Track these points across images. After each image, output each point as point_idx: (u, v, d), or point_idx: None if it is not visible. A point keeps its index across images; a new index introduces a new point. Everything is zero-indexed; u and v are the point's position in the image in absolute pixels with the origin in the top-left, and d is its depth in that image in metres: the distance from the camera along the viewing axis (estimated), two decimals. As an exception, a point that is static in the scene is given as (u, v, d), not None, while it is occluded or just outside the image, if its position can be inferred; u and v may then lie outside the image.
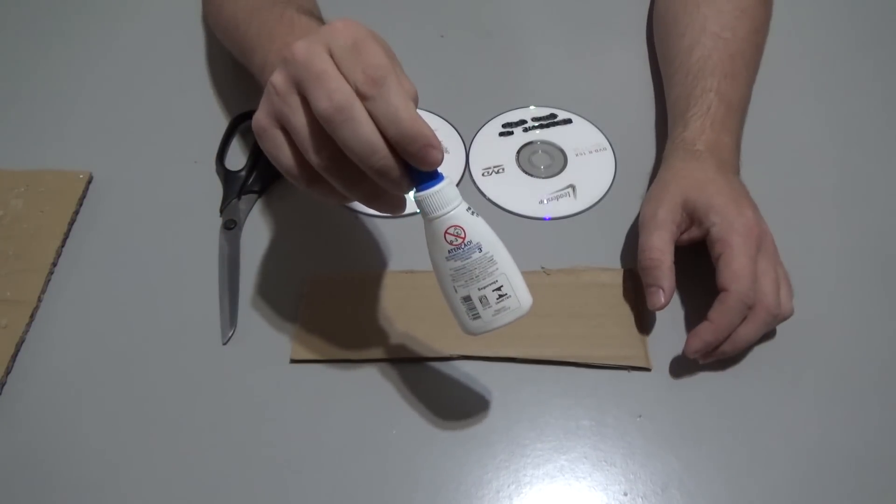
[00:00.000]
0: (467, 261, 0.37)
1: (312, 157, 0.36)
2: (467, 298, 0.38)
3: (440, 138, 0.58)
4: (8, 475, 0.44)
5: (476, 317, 0.39)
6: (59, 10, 0.73)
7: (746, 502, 0.43)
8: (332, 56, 0.35)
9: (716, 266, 0.46)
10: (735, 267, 0.45)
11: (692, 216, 0.48)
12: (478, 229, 0.37)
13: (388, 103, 0.34)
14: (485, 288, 0.38)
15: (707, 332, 0.45)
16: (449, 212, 0.36)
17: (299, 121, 0.36)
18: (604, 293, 0.51)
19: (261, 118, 0.37)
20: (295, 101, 0.36)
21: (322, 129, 0.35)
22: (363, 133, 0.34)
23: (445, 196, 0.36)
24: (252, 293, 0.52)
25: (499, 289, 0.38)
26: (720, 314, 0.45)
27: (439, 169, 0.36)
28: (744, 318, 0.45)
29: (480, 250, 0.37)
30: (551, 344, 0.48)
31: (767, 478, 0.43)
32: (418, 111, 0.35)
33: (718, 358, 0.46)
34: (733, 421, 0.46)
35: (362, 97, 0.34)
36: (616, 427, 0.45)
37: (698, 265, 0.52)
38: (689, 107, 0.53)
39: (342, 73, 0.34)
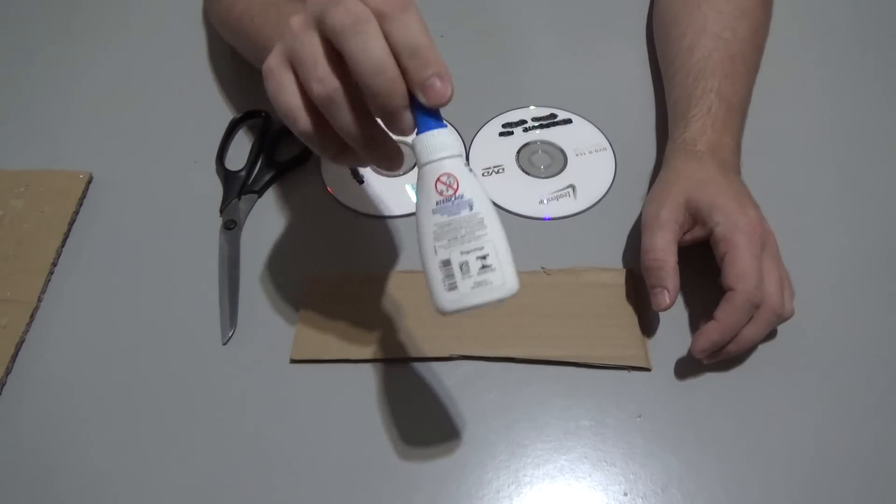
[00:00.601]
0: (454, 216, 0.34)
1: (315, 87, 0.35)
2: (446, 262, 0.34)
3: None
4: (8, 475, 0.44)
5: (452, 287, 0.34)
6: (59, 9, 0.73)
7: (746, 502, 0.43)
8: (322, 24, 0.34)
9: (720, 265, 0.46)
10: (741, 266, 0.45)
11: (695, 216, 0.48)
12: (472, 185, 0.35)
13: (409, 25, 0.33)
14: (468, 252, 0.34)
15: (714, 331, 0.45)
16: (444, 158, 0.34)
17: (308, 50, 0.35)
18: (604, 293, 0.51)
19: (271, 59, 0.37)
20: (309, 36, 0.35)
21: (331, 56, 0.35)
22: (374, 47, 0.33)
23: (443, 141, 0.35)
24: (252, 293, 0.52)
25: (484, 257, 0.34)
26: (727, 313, 0.45)
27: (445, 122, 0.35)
28: (750, 318, 0.45)
29: (471, 208, 0.34)
30: (551, 344, 0.48)
31: (767, 478, 0.43)
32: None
33: (723, 358, 0.46)
34: (733, 421, 0.46)
35: (382, 16, 0.33)
36: (616, 427, 0.45)
37: (698, 265, 0.52)
38: (689, 107, 0.53)
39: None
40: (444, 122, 0.35)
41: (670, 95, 0.57)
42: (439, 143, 0.35)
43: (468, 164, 0.35)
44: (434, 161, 0.35)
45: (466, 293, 0.34)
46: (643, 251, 0.48)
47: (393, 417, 0.46)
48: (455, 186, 0.34)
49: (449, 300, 0.35)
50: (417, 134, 0.35)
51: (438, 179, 0.35)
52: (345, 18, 0.33)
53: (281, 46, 0.37)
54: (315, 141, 0.38)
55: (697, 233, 0.48)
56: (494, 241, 0.35)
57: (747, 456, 0.44)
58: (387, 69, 0.33)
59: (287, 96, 0.36)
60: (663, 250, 0.47)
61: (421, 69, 0.34)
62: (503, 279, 0.34)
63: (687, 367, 0.48)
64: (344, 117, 0.36)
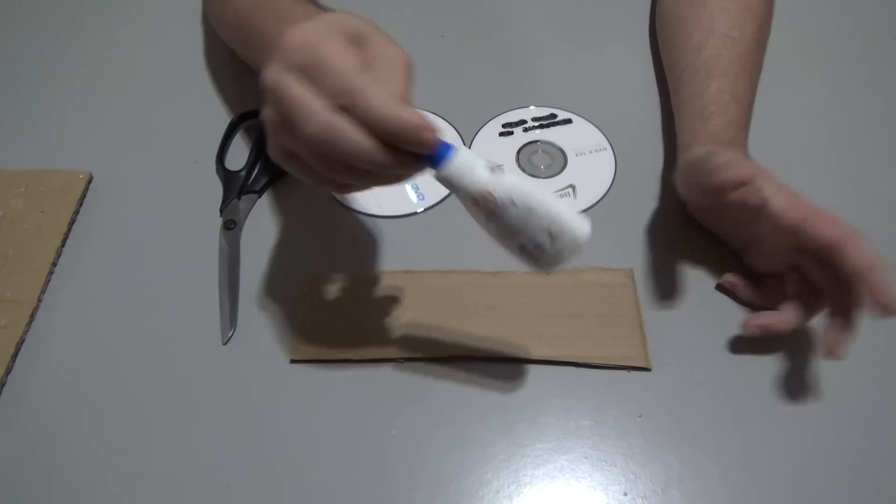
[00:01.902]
0: (506, 218, 0.36)
1: (330, 175, 0.37)
2: (522, 248, 0.38)
3: (440, 139, 0.57)
4: (8, 475, 0.44)
5: (537, 260, 0.38)
6: (59, 9, 0.73)
7: (746, 502, 0.43)
8: (298, 74, 0.35)
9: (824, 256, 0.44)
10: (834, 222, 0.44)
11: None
12: (505, 186, 0.36)
13: (364, 109, 0.34)
14: (535, 235, 0.37)
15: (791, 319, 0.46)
16: (471, 181, 0.36)
17: (302, 147, 0.36)
18: (604, 293, 0.51)
19: (273, 152, 0.38)
20: (288, 132, 0.36)
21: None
22: (354, 144, 0.34)
23: (461, 168, 0.35)
24: (252, 293, 0.52)
25: (548, 233, 0.37)
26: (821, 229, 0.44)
27: (448, 139, 0.35)
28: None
29: (515, 205, 0.36)
30: (551, 344, 0.48)
31: (767, 478, 0.43)
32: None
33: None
34: (733, 421, 0.46)
35: (338, 110, 0.34)
36: (616, 427, 0.45)
37: (697, 264, 0.52)
38: (705, 105, 0.53)
39: (314, 90, 0.34)
40: (450, 146, 0.36)
41: (679, 92, 0.57)
42: (459, 173, 0.36)
43: (489, 164, 0.36)
44: (463, 188, 0.36)
45: (551, 259, 0.38)
46: (712, 157, 0.45)
47: (393, 417, 0.46)
48: (492, 199, 0.36)
49: (543, 266, 0.39)
50: (434, 169, 0.36)
51: (474, 200, 0.36)
52: (313, 132, 0.34)
53: (272, 138, 0.37)
54: (354, 191, 0.39)
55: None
56: (548, 215, 0.37)
57: (747, 456, 0.44)
58: (375, 153, 0.34)
59: (312, 180, 0.38)
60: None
61: (401, 139, 0.34)
62: (573, 236, 0.37)
63: (687, 367, 0.48)
64: (367, 180, 0.37)
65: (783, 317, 0.46)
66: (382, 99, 0.34)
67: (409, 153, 0.35)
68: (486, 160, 0.36)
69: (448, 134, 0.61)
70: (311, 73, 0.35)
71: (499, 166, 0.36)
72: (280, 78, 0.35)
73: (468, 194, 0.36)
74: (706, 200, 0.49)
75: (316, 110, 0.34)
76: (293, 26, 0.36)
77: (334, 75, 0.34)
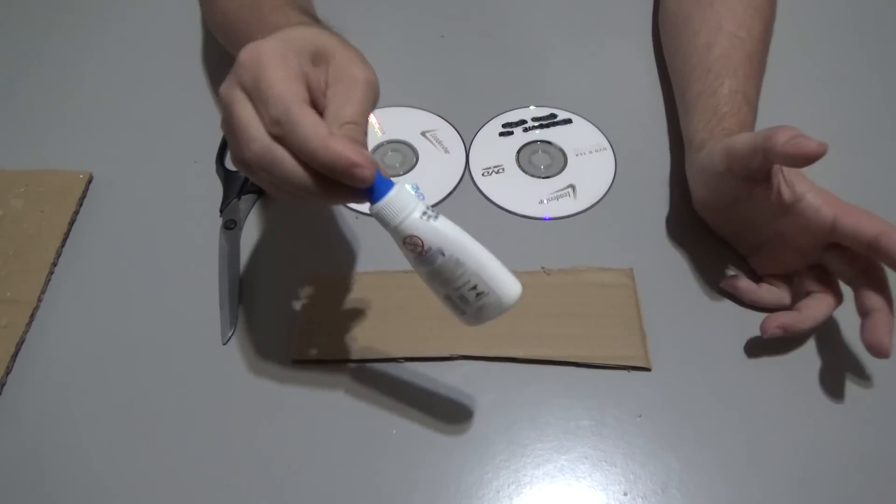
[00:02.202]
0: (433, 266, 0.36)
1: (274, 192, 0.37)
2: (448, 297, 0.38)
3: (440, 138, 0.58)
4: (8, 475, 0.44)
5: (462, 313, 0.38)
6: (59, 9, 0.73)
7: (746, 502, 0.43)
8: (246, 94, 0.35)
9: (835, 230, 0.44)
10: (867, 214, 0.44)
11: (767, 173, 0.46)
12: (435, 234, 0.36)
13: (296, 140, 0.33)
14: (460, 288, 0.37)
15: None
16: (401, 222, 0.35)
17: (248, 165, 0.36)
18: (604, 293, 0.51)
19: (231, 160, 0.38)
20: (236, 148, 0.36)
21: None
22: (290, 173, 0.34)
23: (394, 207, 0.35)
24: (252, 293, 0.52)
25: (474, 288, 0.37)
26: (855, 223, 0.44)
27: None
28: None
29: (443, 255, 0.36)
30: (551, 344, 0.48)
31: (767, 478, 0.43)
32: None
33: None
34: (733, 421, 0.46)
35: (275, 138, 0.34)
36: (616, 427, 0.45)
37: (697, 265, 0.52)
38: (718, 104, 0.53)
39: (258, 113, 0.34)
40: (390, 182, 0.36)
41: (687, 91, 0.56)
42: (391, 212, 0.35)
43: (425, 211, 0.36)
44: (393, 227, 0.36)
45: (474, 316, 0.38)
46: (751, 135, 0.44)
47: (393, 417, 0.46)
48: (420, 244, 0.36)
49: (466, 321, 0.39)
50: (370, 203, 0.36)
51: (404, 242, 0.36)
52: (249, 157, 0.34)
53: (231, 147, 0.37)
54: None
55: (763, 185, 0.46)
56: (476, 272, 0.36)
57: (747, 456, 0.44)
58: (307, 183, 0.34)
59: (268, 189, 0.38)
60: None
61: (333, 171, 0.34)
62: (498, 297, 0.37)
63: (687, 367, 0.48)
64: (316, 200, 0.36)
65: (804, 315, 0.46)
66: (315, 131, 0.33)
67: (345, 185, 0.35)
68: (425, 205, 0.36)
69: (448, 134, 0.61)
70: (254, 95, 0.34)
71: (436, 214, 0.36)
72: (230, 94, 0.35)
73: (398, 235, 0.36)
74: (735, 191, 0.48)
75: (255, 136, 0.34)
76: (251, 42, 0.36)
77: (272, 102, 0.34)
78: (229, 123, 0.35)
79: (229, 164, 0.59)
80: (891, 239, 0.42)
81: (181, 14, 0.72)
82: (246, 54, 0.35)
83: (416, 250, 0.36)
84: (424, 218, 0.36)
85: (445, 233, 0.36)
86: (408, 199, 0.36)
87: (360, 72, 0.37)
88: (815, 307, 0.46)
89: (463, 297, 0.37)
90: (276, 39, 0.36)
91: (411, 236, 0.36)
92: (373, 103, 0.37)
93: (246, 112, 0.35)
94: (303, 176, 0.34)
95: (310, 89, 0.36)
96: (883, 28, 0.70)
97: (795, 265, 0.48)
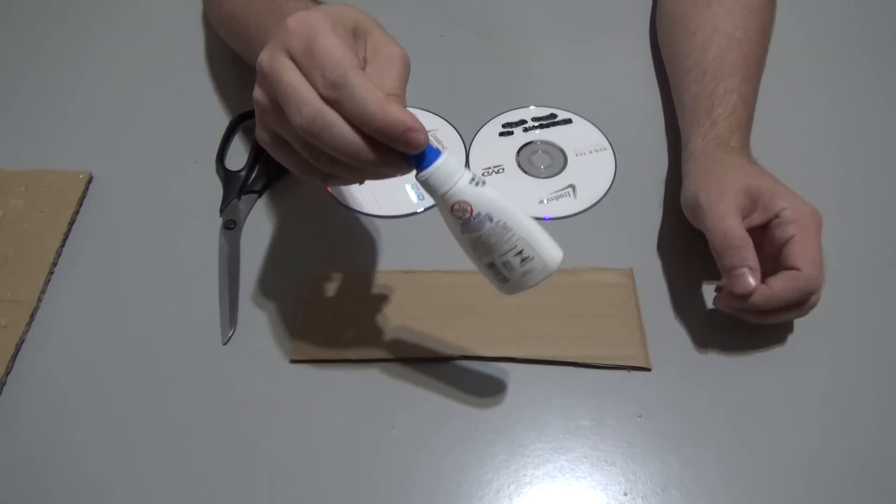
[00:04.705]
0: (481, 232, 0.36)
1: (315, 164, 0.36)
2: (491, 265, 0.38)
3: (440, 138, 0.58)
4: (8, 475, 0.44)
5: (505, 280, 0.38)
6: (59, 9, 0.73)
7: (746, 502, 0.43)
8: (294, 60, 0.35)
9: (783, 247, 0.45)
10: (812, 251, 0.45)
11: (756, 202, 0.47)
12: (484, 200, 0.36)
13: (353, 103, 0.33)
14: (506, 254, 0.37)
15: (762, 296, 0.45)
16: (450, 188, 0.36)
17: (289, 133, 0.36)
18: (604, 293, 0.51)
19: (260, 134, 0.38)
20: (278, 116, 0.36)
21: None
22: (341, 138, 0.34)
23: (443, 173, 0.36)
24: (252, 293, 0.52)
25: (520, 253, 0.37)
26: (784, 288, 0.44)
27: (438, 144, 0.36)
28: (798, 301, 0.45)
29: (491, 220, 0.36)
30: (551, 344, 0.48)
31: (767, 478, 0.43)
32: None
33: (736, 313, 0.47)
34: (733, 421, 0.46)
35: (329, 102, 0.34)
36: (616, 427, 0.45)
37: (697, 265, 0.52)
38: (713, 106, 0.53)
39: (307, 78, 0.34)
40: (438, 150, 0.36)
41: (684, 93, 0.57)
42: (441, 178, 0.36)
43: (473, 177, 0.36)
44: (443, 194, 0.36)
45: (518, 281, 0.38)
46: (719, 233, 0.46)
47: (393, 417, 0.46)
48: (469, 209, 0.36)
49: (507, 288, 0.39)
50: (417, 171, 0.36)
51: (453, 208, 0.36)
52: (301, 122, 0.34)
53: (260, 121, 0.37)
54: (337, 184, 0.39)
55: (757, 219, 0.47)
56: (523, 236, 0.37)
57: (747, 456, 0.44)
58: (360, 149, 0.34)
59: (295, 165, 0.38)
60: (741, 229, 0.46)
61: (388, 136, 0.34)
62: (543, 262, 0.38)
63: (687, 367, 0.48)
64: (350, 174, 0.37)
65: (759, 287, 0.46)
66: (374, 95, 0.33)
67: (395, 152, 0.35)
68: (472, 172, 0.37)
69: (448, 134, 0.61)
70: (307, 60, 0.34)
71: (483, 180, 0.37)
72: (276, 61, 0.35)
73: (446, 202, 0.36)
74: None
75: (307, 99, 0.34)
76: (298, 12, 0.36)
77: (329, 66, 0.34)
78: (275, 89, 0.35)
79: (229, 164, 0.59)
80: (791, 281, 0.44)
81: (181, 14, 0.72)
82: (296, 21, 0.35)
83: (465, 216, 0.36)
84: (473, 184, 0.36)
85: (493, 198, 0.36)
86: (456, 166, 0.36)
87: (397, 49, 0.37)
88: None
89: (507, 263, 0.37)
90: (320, 12, 0.36)
91: (461, 202, 0.36)
92: (406, 80, 0.37)
93: (296, 77, 0.34)
94: (356, 140, 0.34)
95: None
96: (883, 28, 0.70)
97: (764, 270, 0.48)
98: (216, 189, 0.58)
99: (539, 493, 0.43)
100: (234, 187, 0.57)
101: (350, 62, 0.34)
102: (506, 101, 0.64)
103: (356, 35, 0.37)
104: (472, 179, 0.36)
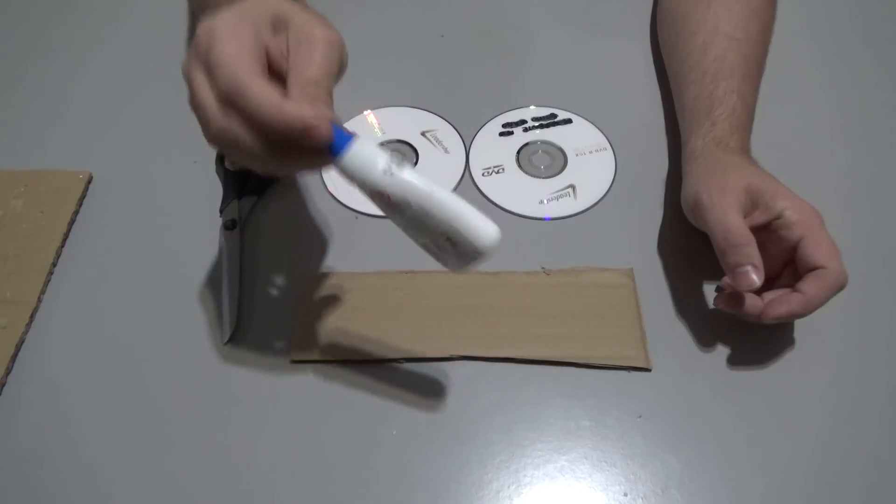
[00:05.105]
0: (404, 217, 0.36)
1: (247, 165, 0.37)
2: (426, 246, 0.37)
3: (440, 138, 0.58)
4: (8, 475, 0.44)
5: (444, 261, 0.38)
6: (59, 9, 0.73)
7: (746, 502, 0.43)
8: (203, 71, 0.35)
9: (795, 250, 0.46)
10: (826, 245, 0.45)
11: (756, 201, 0.47)
12: (399, 188, 0.35)
13: (250, 111, 0.33)
14: (436, 238, 0.36)
15: (798, 304, 0.44)
16: (364, 177, 0.35)
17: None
18: (604, 293, 0.51)
19: (203, 135, 0.38)
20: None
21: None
22: (249, 148, 0.34)
23: (359, 161, 0.34)
24: (252, 293, 0.52)
25: (448, 238, 0.36)
26: (818, 290, 0.44)
27: (354, 131, 0.35)
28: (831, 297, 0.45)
29: (411, 206, 0.35)
30: (551, 344, 0.48)
31: (767, 478, 0.43)
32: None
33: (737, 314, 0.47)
34: (733, 421, 0.46)
35: (230, 112, 0.34)
36: (616, 427, 0.45)
37: (697, 265, 0.52)
38: (713, 106, 0.53)
39: (213, 89, 0.34)
40: (350, 137, 0.35)
41: (685, 94, 0.57)
42: (356, 166, 0.35)
43: (389, 162, 0.35)
44: (358, 182, 0.35)
45: (454, 263, 0.38)
46: (722, 231, 0.46)
47: (393, 418, 0.46)
48: (386, 198, 0.35)
49: (451, 269, 0.39)
50: (334, 161, 0.35)
51: (371, 196, 0.36)
52: (211, 137, 0.34)
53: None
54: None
55: (758, 218, 0.47)
56: (447, 220, 0.35)
57: (747, 456, 0.44)
58: (264, 159, 0.34)
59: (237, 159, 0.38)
60: (744, 227, 0.46)
61: (289, 136, 0.33)
62: (473, 245, 0.35)
63: (687, 367, 0.48)
64: (284, 169, 0.37)
65: (793, 296, 0.45)
66: (267, 99, 0.33)
67: (304, 149, 0.34)
68: (389, 154, 0.35)
69: (448, 134, 0.61)
70: (207, 69, 0.34)
71: (400, 163, 0.35)
72: (189, 72, 0.35)
73: (365, 189, 0.35)
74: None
75: (212, 117, 0.34)
76: (207, 18, 0.35)
77: (223, 76, 0.33)
78: (191, 105, 0.35)
79: (229, 164, 0.59)
80: (822, 280, 0.44)
81: (181, 14, 0.72)
82: (201, 29, 0.35)
83: (384, 204, 0.35)
84: (389, 171, 0.35)
85: (411, 183, 0.35)
86: (371, 153, 0.35)
87: (319, 31, 0.36)
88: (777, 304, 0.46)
89: (439, 246, 0.37)
90: (231, 11, 0.35)
91: (375, 192, 0.35)
92: (337, 63, 0.36)
93: (203, 93, 0.34)
94: (264, 148, 0.34)
95: (270, 58, 0.36)
96: (883, 29, 0.70)
97: (768, 269, 0.48)
98: (216, 189, 0.58)
99: (539, 493, 0.43)
100: (234, 187, 0.57)
101: (241, 69, 0.33)
102: (506, 101, 0.63)
103: (276, 27, 0.36)
104: (388, 166, 0.35)
